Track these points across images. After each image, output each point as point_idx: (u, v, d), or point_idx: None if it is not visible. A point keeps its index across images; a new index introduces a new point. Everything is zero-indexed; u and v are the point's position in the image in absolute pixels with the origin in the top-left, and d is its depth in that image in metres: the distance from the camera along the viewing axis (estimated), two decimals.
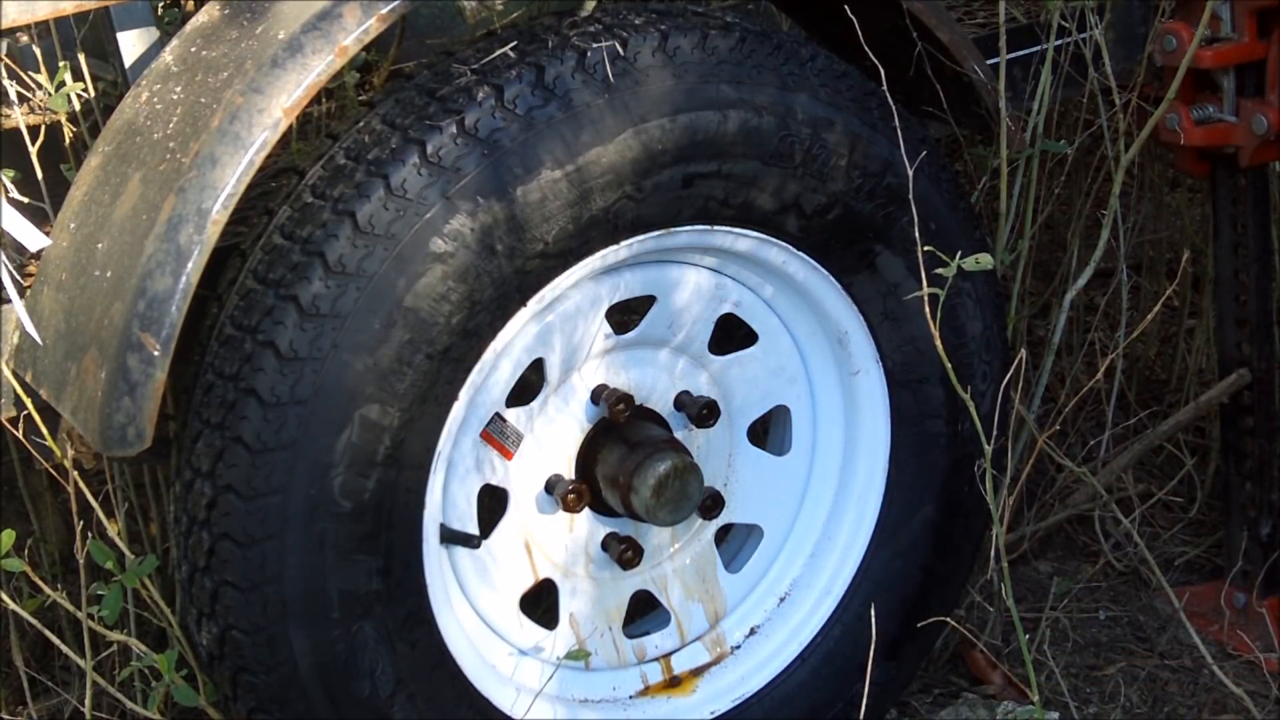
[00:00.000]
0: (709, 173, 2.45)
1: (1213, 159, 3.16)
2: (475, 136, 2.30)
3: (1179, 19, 3.05)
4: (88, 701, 2.61)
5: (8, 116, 2.72)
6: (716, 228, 2.53)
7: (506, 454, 2.56)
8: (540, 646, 2.66)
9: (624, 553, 2.67)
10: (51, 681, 3.07)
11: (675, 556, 2.77)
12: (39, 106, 2.72)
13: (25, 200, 2.46)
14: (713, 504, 2.72)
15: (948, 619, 2.72)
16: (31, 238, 2.37)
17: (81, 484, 2.53)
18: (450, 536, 2.53)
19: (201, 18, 2.43)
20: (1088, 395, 3.43)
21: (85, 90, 2.64)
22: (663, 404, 2.68)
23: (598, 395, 2.62)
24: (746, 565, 2.84)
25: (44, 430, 2.44)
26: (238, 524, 2.29)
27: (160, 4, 2.88)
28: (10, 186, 2.43)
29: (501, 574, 2.61)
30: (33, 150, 2.59)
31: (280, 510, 2.29)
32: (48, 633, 2.62)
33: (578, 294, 2.51)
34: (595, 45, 2.37)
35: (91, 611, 2.53)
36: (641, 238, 2.47)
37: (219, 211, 2.24)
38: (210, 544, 2.32)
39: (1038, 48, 3.08)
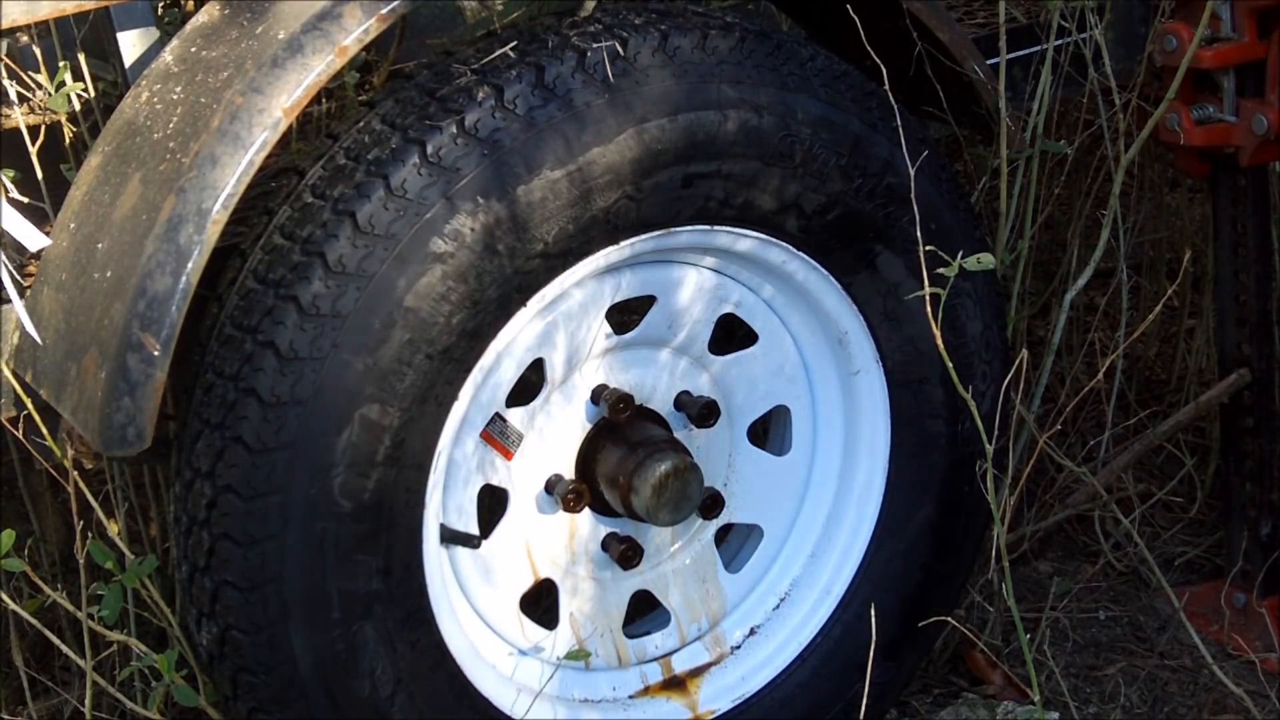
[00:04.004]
0: (709, 173, 2.45)
1: (1213, 159, 3.16)
2: (475, 136, 2.30)
3: (1179, 19, 3.05)
4: (88, 701, 2.61)
5: (8, 116, 2.72)
6: (717, 228, 2.53)
7: (507, 454, 2.56)
8: (540, 646, 2.66)
9: (624, 553, 2.67)
10: (51, 681, 3.07)
11: (675, 556, 2.77)
12: (39, 106, 2.72)
13: (25, 200, 2.46)
14: (713, 504, 2.72)
15: (948, 619, 2.72)
16: (31, 238, 2.37)
17: (81, 484, 2.52)
18: (450, 536, 2.53)
19: (201, 18, 2.43)
20: (1088, 395, 3.43)
21: (85, 90, 2.64)
22: (663, 404, 2.68)
23: (598, 395, 2.62)
24: (746, 565, 2.84)
25: (44, 430, 2.44)
26: (238, 524, 2.29)
27: (160, 4, 2.88)
28: (10, 186, 2.42)
29: (501, 574, 2.61)
30: (33, 150, 2.59)
31: (280, 510, 2.29)
32: (48, 633, 2.62)
33: (578, 294, 2.51)
34: (595, 45, 2.37)
35: (91, 611, 2.53)
36: (642, 238, 2.47)
37: (219, 211, 2.24)
38: (210, 544, 2.32)
39: (1038, 48, 3.08)
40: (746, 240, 2.57)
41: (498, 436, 2.55)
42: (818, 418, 2.82)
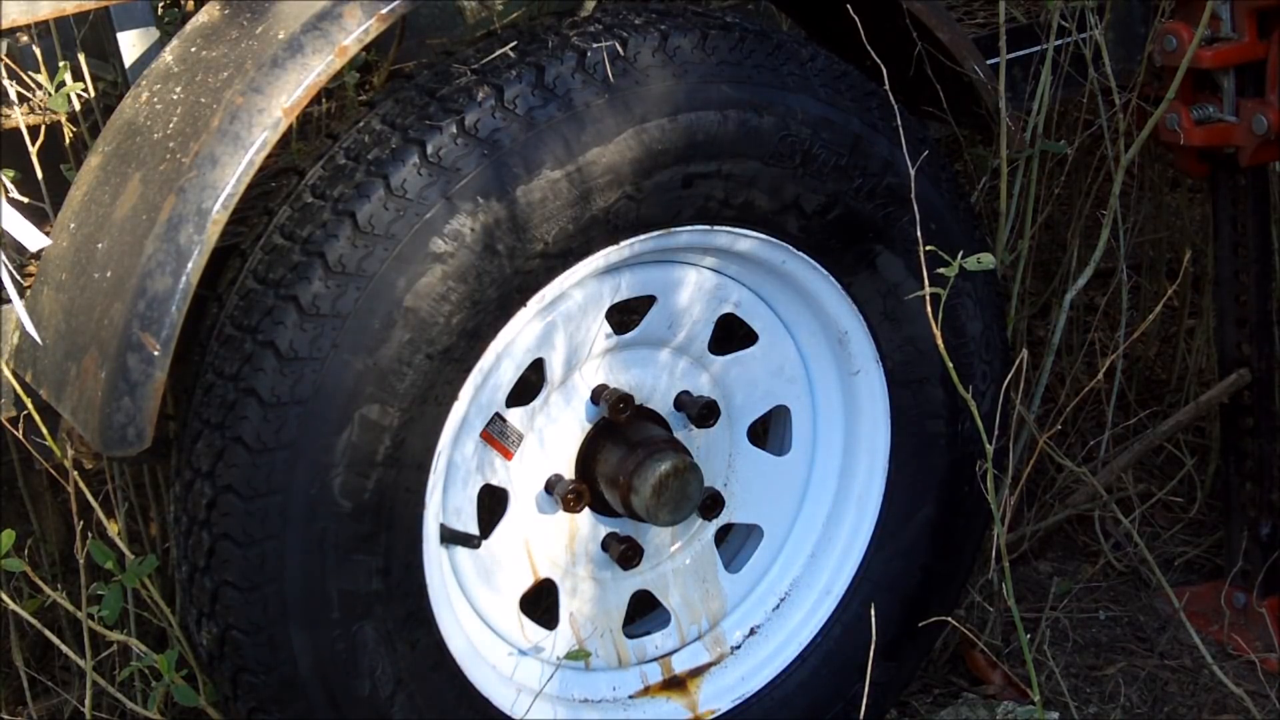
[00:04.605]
0: (709, 173, 2.45)
1: (1213, 159, 3.16)
2: (475, 136, 2.30)
3: (1179, 19, 3.05)
4: (88, 701, 2.62)
5: (8, 116, 2.72)
6: (717, 228, 2.53)
7: (507, 454, 2.56)
8: (540, 646, 2.66)
9: (624, 553, 2.67)
10: (51, 681, 3.07)
11: (675, 556, 2.77)
12: (39, 106, 2.72)
13: (25, 200, 2.46)
14: (713, 504, 2.72)
15: (948, 619, 2.72)
16: (31, 238, 2.37)
17: (81, 484, 2.53)
18: (450, 536, 2.53)
19: (201, 18, 2.43)
20: (1088, 395, 3.43)
21: (85, 90, 2.64)
22: (663, 404, 2.68)
23: (598, 395, 2.62)
24: (746, 565, 2.84)
25: (44, 430, 2.44)
26: (238, 524, 2.29)
27: (160, 4, 2.88)
28: (10, 186, 2.43)
29: (501, 574, 2.61)
30: (33, 150, 2.59)
31: (280, 510, 2.29)
32: (48, 633, 2.62)
33: (578, 294, 2.51)
34: (595, 45, 2.37)
35: (91, 611, 2.53)
36: (642, 238, 2.47)
37: (219, 211, 2.24)
38: (210, 544, 2.32)
39: (1038, 48, 3.08)
40: (746, 240, 2.57)
41: (498, 436, 2.55)
42: (818, 418, 2.82)
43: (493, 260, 2.33)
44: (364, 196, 2.28)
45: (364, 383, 2.29)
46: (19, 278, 2.40)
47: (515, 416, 2.56)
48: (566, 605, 2.69)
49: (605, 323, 2.58)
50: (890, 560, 2.82)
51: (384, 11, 2.31)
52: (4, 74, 2.63)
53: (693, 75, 2.41)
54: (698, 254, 2.60)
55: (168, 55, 2.41)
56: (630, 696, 2.75)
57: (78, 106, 2.67)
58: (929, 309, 2.26)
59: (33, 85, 2.72)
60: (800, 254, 2.61)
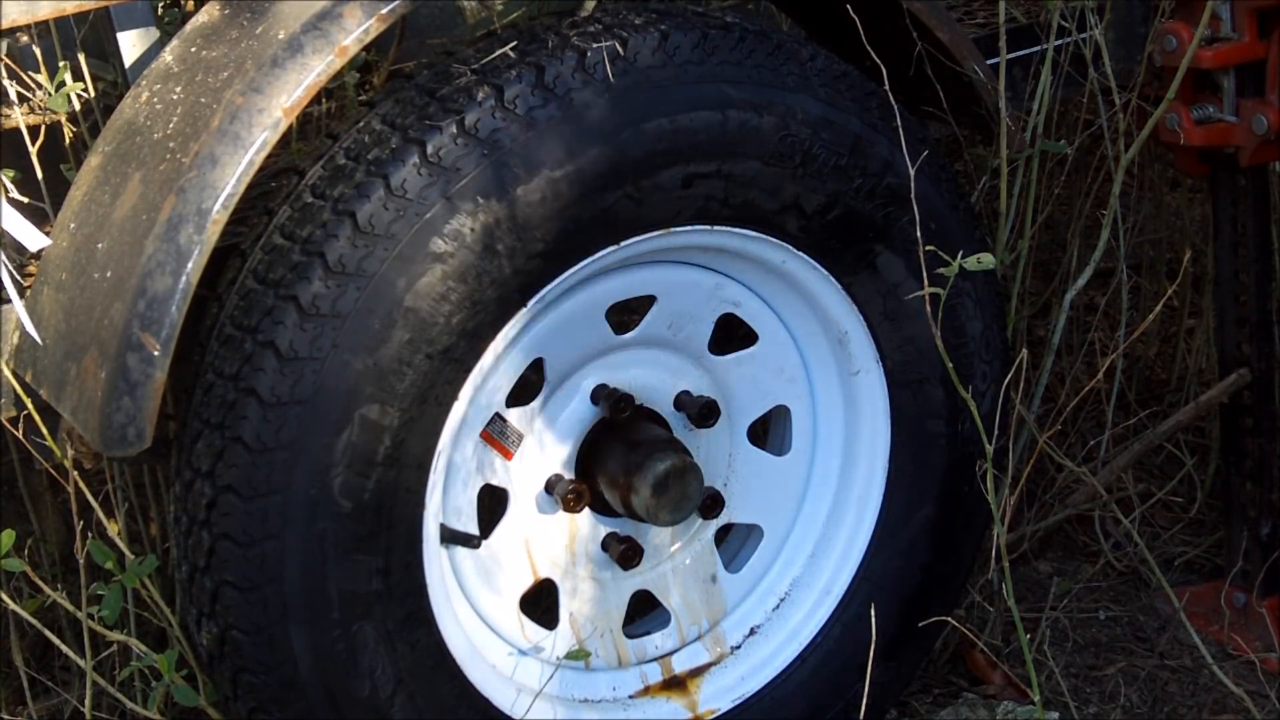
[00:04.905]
0: (709, 173, 2.45)
1: (1213, 159, 3.16)
2: (475, 136, 2.30)
3: (1179, 19, 3.05)
4: (88, 701, 2.62)
5: (8, 116, 2.72)
6: (716, 228, 2.53)
7: (507, 454, 2.56)
8: (540, 646, 2.66)
9: (624, 553, 2.67)
10: (51, 681, 3.07)
11: (675, 556, 2.77)
12: (39, 106, 2.72)
13: (25, 200, 2.46)
14: (713, 504, 2.72)
15: (948, 619, 2.72)
16: (31, 238, 2.37)
17: (81, 484, 2.53)
18: (450, 536, 2.53)
19: (201, 18, 2.43)
20: (1088, 395, 3.43)
21: (85, 90, 2.64)
22: (663, 404, 2.68)
23: (598, 395, 2.62)
24: (746, 565, 2.84)
25: (44, 430, 2.44)
26: (238, 524, 2.29)
27: (160, 4, 2.88)
28: (10, 186, 2.43)
29: (501, 574, 2.61)
30: (33, 150, 2.59)
31: (280, 510, 2.29)
32: (48, 633, 2.62)
33: (578, 294, 2.51)
34: (595, 45, 2.37)
35: (91, 611, 2.53)
36: (642, 238, 2.47)
37: (219, 211, 2.24)
38: (210, 544, 2.32)
39: (1038, 48, 3.08)
40: (746, 240, 2.57)
41: (498, 436, 2.55)
42: (818, 418, 2.82)
43: (492, 260, 2.33)
44: (364, 196, 2.28)
45: (364, 383, 2.29)
46: (19, 278, 2.40)
47: (515, 416, 2.56)
48: (566, 605, 2.69)
49: (605, 322, 2.57)
50: (890, 560, 2.82)
51: (384, 11, 2.31)
52: (4, 74, 2.63)
53: (692, 75, 2.41)
54: (697, 254, 2.60)
55: (168, 55, 2.41)
56: (630, 696, 2.75)
57: (78, 106, 2.67)
58: (929, 309, 2.27)
59: (33, 85, 2.72)
60: (800, 254, 2.61)
